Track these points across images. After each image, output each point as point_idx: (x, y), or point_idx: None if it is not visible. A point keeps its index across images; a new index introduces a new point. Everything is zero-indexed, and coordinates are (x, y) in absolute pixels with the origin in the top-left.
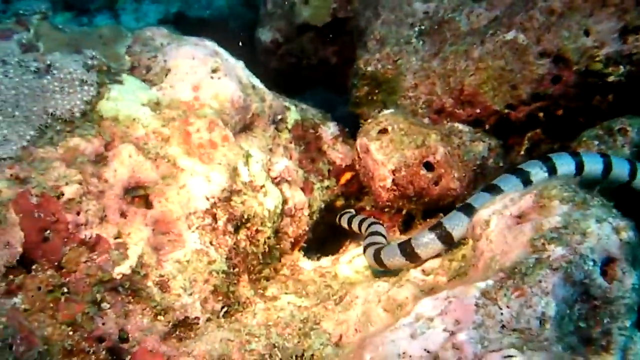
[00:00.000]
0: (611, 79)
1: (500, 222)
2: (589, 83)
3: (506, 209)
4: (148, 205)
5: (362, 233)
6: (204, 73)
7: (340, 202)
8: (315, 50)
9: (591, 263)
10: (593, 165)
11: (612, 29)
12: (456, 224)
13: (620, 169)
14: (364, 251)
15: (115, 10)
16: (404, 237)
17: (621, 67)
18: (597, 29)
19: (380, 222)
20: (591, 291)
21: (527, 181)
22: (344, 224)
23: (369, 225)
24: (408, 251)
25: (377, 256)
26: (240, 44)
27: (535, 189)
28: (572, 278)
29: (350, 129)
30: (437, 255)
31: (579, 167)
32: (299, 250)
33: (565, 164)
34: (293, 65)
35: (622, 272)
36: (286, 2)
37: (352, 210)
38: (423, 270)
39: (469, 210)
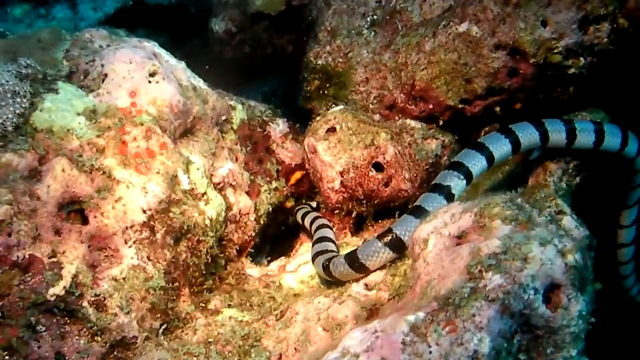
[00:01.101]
0: (572, 71)
1: (438, 243)
2: (548, 75)
3: (445, 228)
4: (84, 220)
5: (311, 233)
6: (141, 77)
7: (290, 203)
8: (270, 40)
9: (532, 292)
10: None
11: (571, 19)
12: (407, 229)
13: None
14: (313, 260)
15: (73, 0)
16: (355, 240)
17: (582, 58)
18: (556, 20)
19: (330, 225)
20: (532, 321)
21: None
22: (299, 219)
23: (318, 228)
24: (355, 263)
25: (325, 267)
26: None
27: (476, 207)
28: (510, 309)
29: (305, 122)
30: (382, 268)
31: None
32: (246, 257)
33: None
34: (248, 55)
35: (567, 299)
36: None
37: (309, 206)
38: (366, 285)
39: (420, 214)
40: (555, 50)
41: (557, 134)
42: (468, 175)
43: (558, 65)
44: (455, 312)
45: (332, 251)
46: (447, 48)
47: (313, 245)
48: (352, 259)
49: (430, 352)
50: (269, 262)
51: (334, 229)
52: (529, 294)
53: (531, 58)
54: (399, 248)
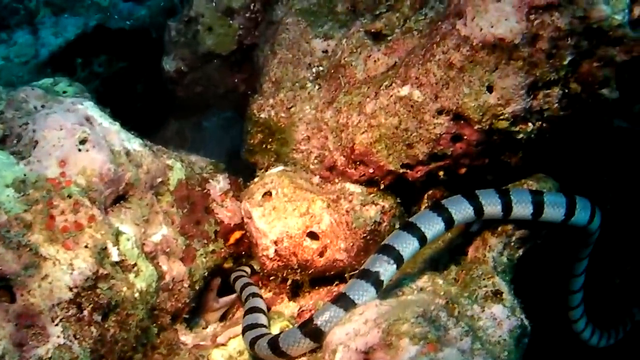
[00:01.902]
0: (520, 136)
1: (345, 357)
2: (494, 140)
3: (354, 341)
4: (12, 297)
5: (242, 300)
6: (71, 145)
7: (228, 264)
8: (222, 79)
9: None
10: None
11: (519, 84)
12: (329, 320)
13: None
14: (243, 333)
15: (35, 25)
16: (292, 305)
17: (530, 124)
18: (502, 85)
19: (260, 293)
20: None
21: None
22: (232, 283)
23: (249, 297)
24: (277, 350)
25: (251, 345)
26: None
27: (385, 322)
28: None
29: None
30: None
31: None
32: (180, 323)
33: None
34: (200, 95)
35: None
36: (189, 30)
37: (245, 271)
38: None
39: (346, 304)
40: (502, 117)
41: (492, 207)
42: (398, 260)
43: (505, 131)
44: None
45: (263, 326)
46: (388, 112)
47: (244, 315)
48: (274, 346)
49: None
50: (207, 323)
51: (264, 298)
52: None
53: (476, 124)
54: (319, 338)
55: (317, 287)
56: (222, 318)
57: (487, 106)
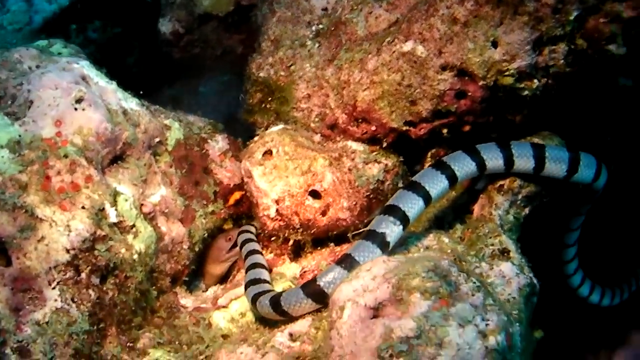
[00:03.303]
0: (525, 93)
1: (353, 314)
2: (499, 98)
3: (362, 297)
4: (7, 261)
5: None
6: (66, 105)
7: (228, 226)
8: (219, 40)
9: None
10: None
11: (524, 39)
12: (331, 281)
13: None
14: (245, 289)
15: None
16: (294, 266)
17: (535, 81)
18: (507, 40)
19: (260, 250)
20: None
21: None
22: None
23: (250, 253)
24: (278, 309)
25: (253, 301)
26: None
27: (395, 277)
28: None
29: (251, 129)
30: (308, 316)
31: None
32: (180, 286)
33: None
34: (197, 56)
35: None
36: None
37: (250, 230)
38: (291, 335)
39: (350, 265)
40: (507, 73)
41: (494, 161)
42: (404, 220)
43: (510, 87)
44: None
45: (265, 282)
46: (391, 68)
47: (246, 272)
48: (276, 304)
49: None
50: (206, 287)
51: (264, 255)
52: None
53: (480, 80)
54: (321, 299)
55: (319, 248)
56: (222, 281)
57: (492, 62)
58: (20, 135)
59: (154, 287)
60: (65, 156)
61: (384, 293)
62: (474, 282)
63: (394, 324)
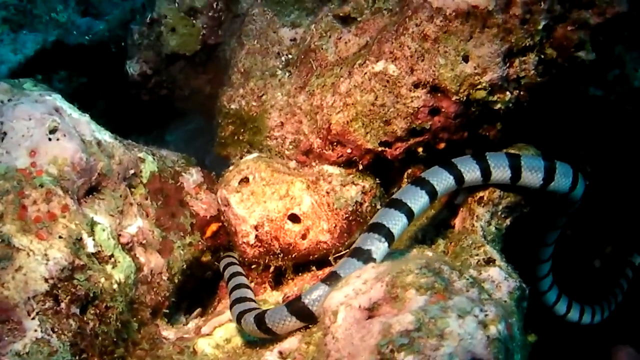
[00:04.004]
0: (498, 106)
1: (348, 316)
2: (472, 112)
3: (356, 299)
4: None
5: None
6: (41, 135)
7: (206, 258)
8: (187, 81)
9: None
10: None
11: (495, 52)
12: (316, 298)
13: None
14: (230, 307)
15: None
16: (275, 294)
17: (508, 93)
18: (478, 54)
19: (243, 272)
20: None
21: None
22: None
23: (232, 276)
24: (263, 326)
25: (238, 319)
26: None
27: (388, 275)
28: None
29: (225, 166)
30: (296, 333)
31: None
32: (160, 318)
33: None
34: (165, 98)
35: None
36: (152, 32)
37: (233, 256)
38: (280, 353)
39: (336, 282)
40: (479, 86)
41: (471, 173)
42: (389, 237)
43: (482, 101)
44: None
45: (251, 300)
46: (364, 89)
47: (230, 292)
48: (260, 322)
49: None
50: (187, 319)
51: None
52: None
53: (453, 95)
54: (306, 317)
55: (300, 274)
56: (203, 314)
57: (464, 76)
58: None
59: (134, 319)
60: (41, 186)
61: (378, 292)
62: (467, 279)
63: (392, 320)
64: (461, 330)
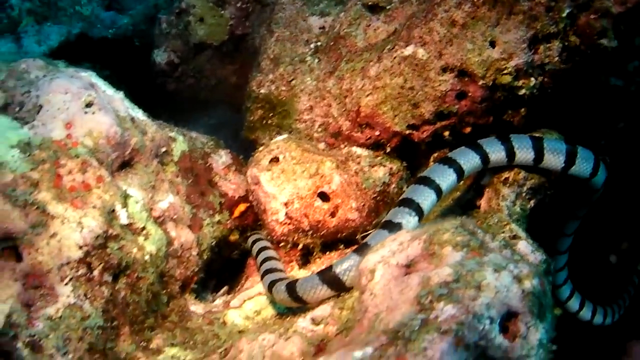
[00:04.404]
0: (522, 92)
1: (386, 273)
2: (498, 97)
3: (393, 257)
4: (18, 257)
5: (253, 254)
6: (77, 108)
7: (234, 237)
8: (213, 70)
9: (487, 321)
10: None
11: (520, 38)
12: (348, 268)
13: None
14: (261, 278)
15: (18, 33)
16: (302, 273)
17: (532, 79)
18: (504, 39)
19: (272, 247)
20: (489, 352)
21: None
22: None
23: (260, 250)
24: (294, 294)
25: (269, 288)
26: None
27: (425, 233)
28: (464, 341)
29: (248, 151)
30: (328, 301)
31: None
32: (189, 293)
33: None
34: (191, 87)
35: (526, 328)
36: (181, 21)
37: (260, 234)
38: (313, 319)
39: (365, 252)
40: (505, 71)
41: (496, 154)
42: (419, 212)
43: (508, 86)
44: (406, 346)
45: (281, 271)
46: (393, 72)
47: (260, 265)
48: (291, 290)
49: None
50: (214, 298)
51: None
52: (484, 323)
53: (480, 80)
54: (337, 286)
55: (328, 252)
56: (230, 290)
57: (491, 61)
58: (30, 138)
59: (164, 292)
60: (77, 156)
61: (415, 250)
62: (500, 241)
63: (430, 273)
64: (497, 283)
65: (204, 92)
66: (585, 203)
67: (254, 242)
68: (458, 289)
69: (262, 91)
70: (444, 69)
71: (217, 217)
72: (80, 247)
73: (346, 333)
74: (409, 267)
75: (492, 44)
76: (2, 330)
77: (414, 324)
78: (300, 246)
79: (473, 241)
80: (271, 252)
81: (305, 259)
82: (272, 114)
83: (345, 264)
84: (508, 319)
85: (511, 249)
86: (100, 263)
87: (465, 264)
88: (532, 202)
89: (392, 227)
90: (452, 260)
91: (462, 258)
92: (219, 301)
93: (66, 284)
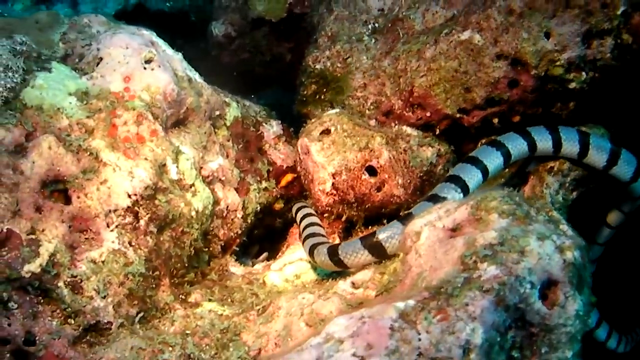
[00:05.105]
0: (573, 85)
1: (431, 235)
2: (548, 89)
3: (440, 220)
4: (67, 200)
5: (297, 220)
6: (136, 63)
7: (279, 205)
8: (269, 46)
9: (528, 285)
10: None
11: (575, 31)
12: (391, 235)
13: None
14: (303, 242)
15: None
16: None
17: (583, 73)
18: (559, 32)
19: (316, 214)
20: (528, 317)
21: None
22: (293, 211)
23: (304, 217)
24: (335, 257)
25: (311, 251)
26: None
27: (473, 200)
28: (505, 302)
29: (298, 129)
30: (369, 267)
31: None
32: (230, 255)
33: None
34: (246, 61)
35: (564, 297)
36: None
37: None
38: (353, 283)
39: (408, 221)
40: (557, 63)
41: (544, 143)
42: (465, 189)
43: (559, 78)
44: (448, 301)
45: (323, 236)
46: (448, 55)
47: (303, 230)
48: (333, 253)
49: (420, 340)
50: (253, 264)
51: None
52: (525, 287)
53: (532, 69)
54: (379, 253)
55: (370, 227)
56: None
57: (544, 51)
58: (87, 87)
59: (206, 250)
60: (133, 109)
61: (462, 214)
62: (544, 216)
63: (476, 235)
64: (541, 250)
65: (258, 68)
66: (622, 211)
67: (299, 209)
68: (502, 251)
69: (318, 67)
70: (498, 56)
71: (263, 184)
72: (129, 196)
73: (387, 294)
74: (454, 231)
75: (547, 35)
76: (45, 267)
77: (457, 281)
78: (343, 218)
79: (519, 210)
80: (315, 219)
81: (348, 232)
82: (325, 89)
83: (388, 231)
84: (548, 286)
85: (555, 224)
86: (147, 213)
87: (511, 229)
88: (574, 194)
89: (437, 200)
90: (497, 225)
91: (507, 224)
92: (258, 266)
93: (112, 230)
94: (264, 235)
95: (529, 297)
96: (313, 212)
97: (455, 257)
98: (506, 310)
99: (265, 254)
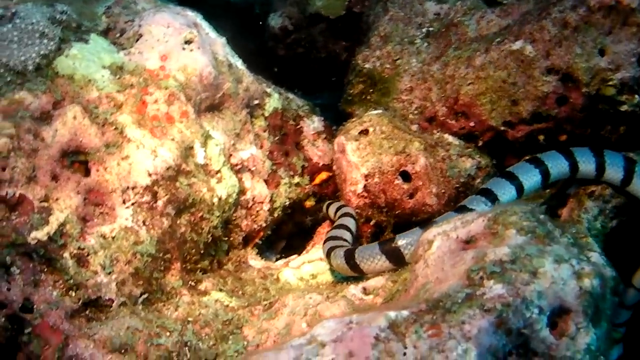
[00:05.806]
0: (624, 108)
1: (443, 245)
2: (599, 109)
3: (455, 231)
4: (86, 172)
5: (334, 219)
6: (175, 43)
7: (310, 203)
8: (325, 43)
9: (536, 310)
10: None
11: (631, 51)
12: (410, 242)
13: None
14: (323, 243)
15: None
16: None
17: (637, 96)
18: (614, 50)
19: (354, 215)
20: (531, 344)
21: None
22: (324, 209)
23: (342, 215)
24: (351, 261)
25: (328, 253)
26: None
27: (492, 212)
28: (507, 325)
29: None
30: (383, 274)
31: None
32: (252, 247)
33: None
34: (300, 56)
35: (576, 327)
36: None
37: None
38: (364, 289)
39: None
40: (610, 83)
41: (586, 165)
42: (495, 203)
43: (611, 99)
44: (444, 316)
45: (344, 240)
46: (498, 65)
47: (331, 229)
48: (349, 256)
49: (404, 354)
50: (276, 260)
51: (357, 220)
52: (532, 311)
53: (583, 87)
54: (397, 259)
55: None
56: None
57: (597, 69)
58: (123, 62)
59: (226, 239)
60: (166, 88)
61: (478, 226)
62: (569, 238)
63: (487, 250)
64: (555, 273)
65: (313, 64)
66: None
67: (339, 207)
68: (512, 270)
69: (367, 66)
70: (549, 70)
71: (296, 179)
72: (150, 175)
73: (391, 302)
74: (468, 243)
75: (602, 52)
76: (52, 236)
77: (458, 296)
78: (372, 222)
79: (540, 229)
80: (348, 221)
81: (376, 237)
82: (372, 89)
83: (409, 237)
84: (559, 314)
85: (579, 248)
86: (166, 194)
87: (526, 248)
88: (614, 222)
89: (464, 211)
90: (513, 242)
91: (524, 242)
92: (280, 262)
93: (127, 207)
94: (293, 233)
95: (535, 323)
96: (352, 211)
97: (462, 270)
98: (507, 333)
99: (292, 257)
